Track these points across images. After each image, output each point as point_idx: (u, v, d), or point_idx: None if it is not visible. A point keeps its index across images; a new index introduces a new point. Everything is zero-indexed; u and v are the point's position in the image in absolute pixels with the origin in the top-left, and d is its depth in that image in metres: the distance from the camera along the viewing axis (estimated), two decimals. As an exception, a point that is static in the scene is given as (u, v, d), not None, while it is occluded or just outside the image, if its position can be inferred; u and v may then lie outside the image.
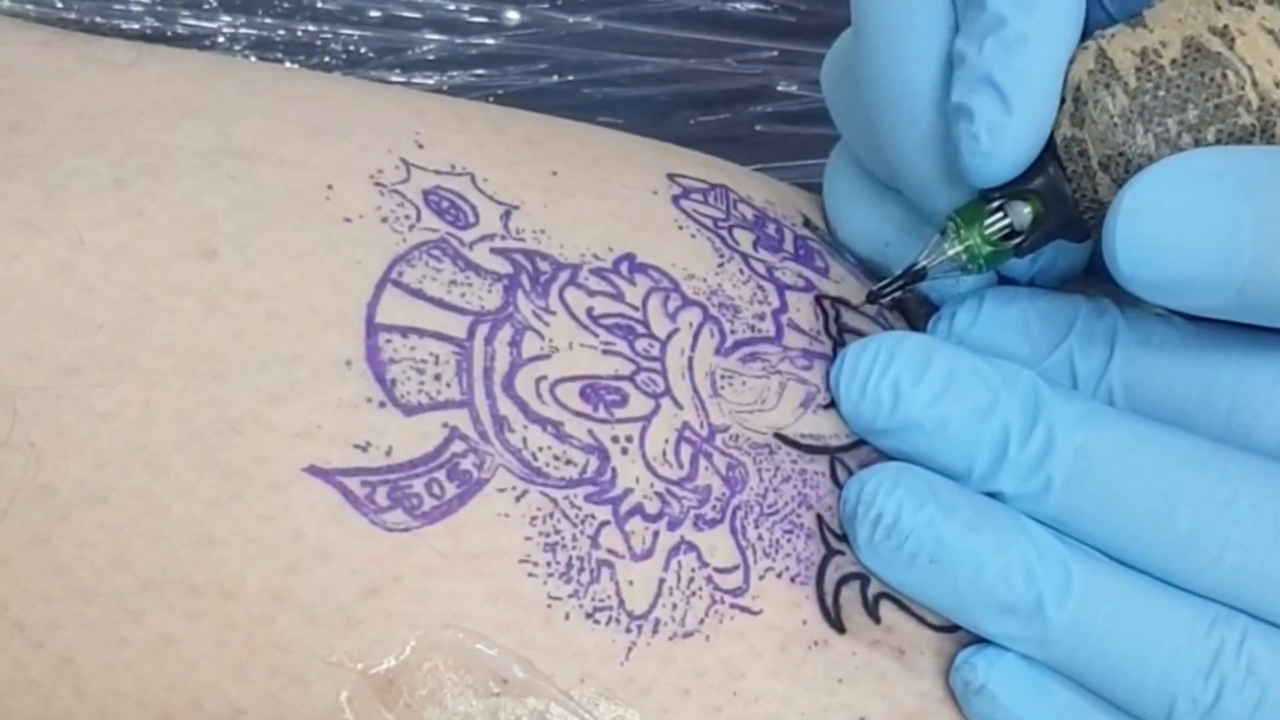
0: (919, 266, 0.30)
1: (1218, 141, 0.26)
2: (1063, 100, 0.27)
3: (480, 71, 0.52)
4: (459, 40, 0.52)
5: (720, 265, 0.32)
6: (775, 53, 0.54)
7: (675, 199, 0.33)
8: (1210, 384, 0.29)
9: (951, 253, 0.29)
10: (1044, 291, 0.31)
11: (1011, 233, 0.28)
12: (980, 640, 0.29)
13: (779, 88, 0.53)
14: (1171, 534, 0.27)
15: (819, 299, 0.33)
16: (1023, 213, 0.28)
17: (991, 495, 0.28)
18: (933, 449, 0.29)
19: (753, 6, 0.54)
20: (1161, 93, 0.26)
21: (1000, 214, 0.28)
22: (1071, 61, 0.27)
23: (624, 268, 0.31)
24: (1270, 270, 0.25)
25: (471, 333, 0.28)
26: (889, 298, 0.31)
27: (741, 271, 0.32)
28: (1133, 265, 0.26)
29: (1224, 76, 0.26)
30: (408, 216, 0.29)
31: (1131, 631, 0.27)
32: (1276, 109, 0.26)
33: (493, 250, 0.30)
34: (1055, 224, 0.28)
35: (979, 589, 0.27)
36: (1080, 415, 0.28)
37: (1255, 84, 0.26)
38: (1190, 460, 0.27)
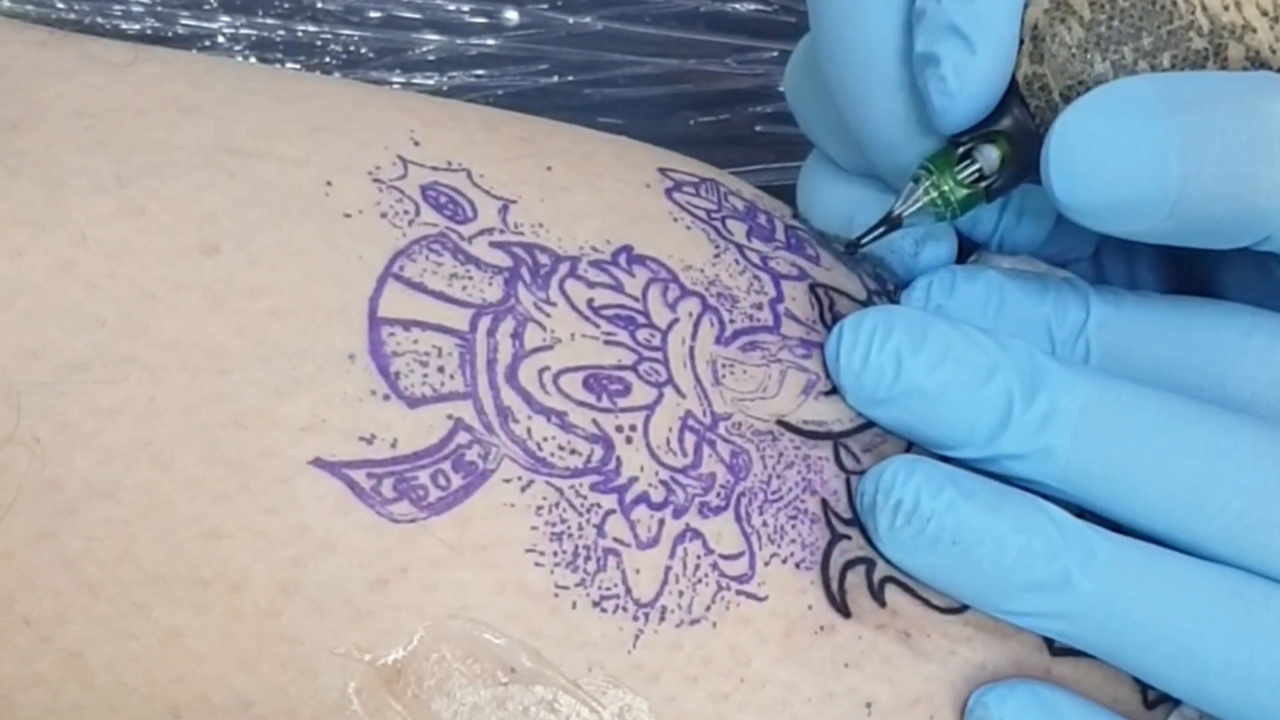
0: (895, 214, 0.30)
1: (1173, 67, 0.27)
2: (1021, 42, 0.28)
3: (480, 72, 0.52)
4: (459, 41, 0.52)
5: (716, 256, 0.32)
6: (775, 53, 0.54)
7: (668, 192, 0.33)
8: (1185, 339, 0.29)
9: (925, 199, 0.30)
10: (1012, 270, 0.32)
11: (981, 176, 0.29)
12: (993, 625, 0.29)
13: (779, 88, 0.53)
14: (1178, 483, 0.28)
15: (813, 287, 0.33)
16: (991, 155, 0.29)
17: (994, 461, 0.29)
18: (935, 415, 0.29)
19: (753, 6, 0.54)
20: (1115, 22, 0.27)
21: (970, 159, 0.29)
22: (1026, 6, 0.28)
23: (622, 259, 0.31)
24: (1201, 186, 0.25)
25: (473, 325, 0.29)
26: (867, 246, 0.31)
27: (737, 262, 0.32)
28: (1067, 190, 0.26)
29: (1174, 3, 0.27)
30: (406, 212, 0.30)
31: (1158, 597, 0.27)
32: (1227, 31, 0.27)
33: (492, 244, 0.30)
34: (1023, 164, 0.29)
35: (1003, 567, 0.28)
36: (1079, 376, 0.28)
37: (1205, 9, 0.27)
38: (1188, 414, 0.28)
